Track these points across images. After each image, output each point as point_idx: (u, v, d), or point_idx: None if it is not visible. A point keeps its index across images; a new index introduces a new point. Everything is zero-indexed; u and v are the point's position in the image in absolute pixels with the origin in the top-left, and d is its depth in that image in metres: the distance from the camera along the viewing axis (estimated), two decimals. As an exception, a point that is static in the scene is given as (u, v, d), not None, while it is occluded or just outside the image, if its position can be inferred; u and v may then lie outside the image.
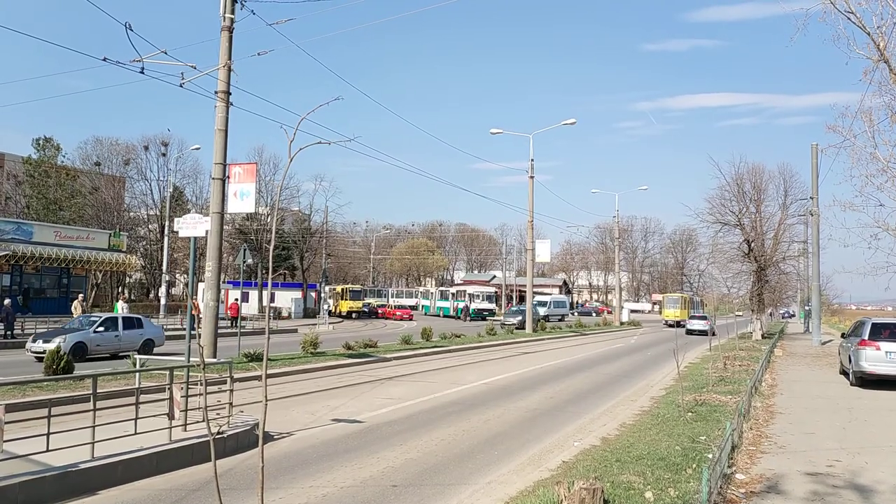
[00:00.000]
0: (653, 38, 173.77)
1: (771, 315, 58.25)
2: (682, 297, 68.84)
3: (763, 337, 36.72)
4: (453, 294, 69.68)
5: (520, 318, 43.78)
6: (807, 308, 48.66)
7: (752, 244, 36.12)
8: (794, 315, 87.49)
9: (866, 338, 16.92)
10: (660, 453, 8.89)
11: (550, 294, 73.14)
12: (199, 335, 6.66)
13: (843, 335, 21.09)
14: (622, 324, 60.67)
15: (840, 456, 9.28)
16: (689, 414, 11.95)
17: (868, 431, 11.33)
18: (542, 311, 59.52)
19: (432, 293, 77.57)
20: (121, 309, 30.62)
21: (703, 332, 41.14)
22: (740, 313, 55.25)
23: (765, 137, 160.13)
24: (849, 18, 11.41)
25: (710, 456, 8.16)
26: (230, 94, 17.83)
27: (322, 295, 58.31)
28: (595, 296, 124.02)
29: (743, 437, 10.13)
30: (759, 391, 15.41)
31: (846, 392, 16.46)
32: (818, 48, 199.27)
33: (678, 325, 56.69)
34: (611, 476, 7.65)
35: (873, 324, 17.42)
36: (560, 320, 58.09)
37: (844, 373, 19.20)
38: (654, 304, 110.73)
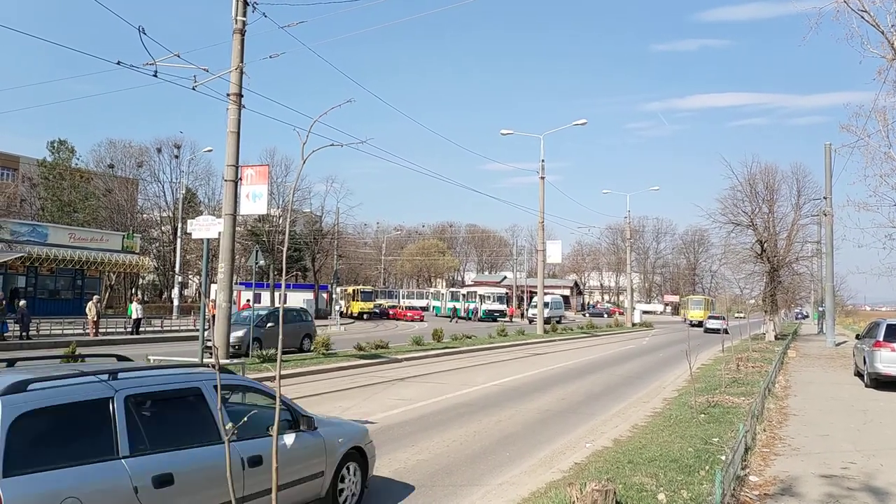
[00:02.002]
0: (662, 39, 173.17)
1: (785, 315, 58.19)
2: (704, 299, 70.57)
3: (776, 338, 36.48)
4: (464, 295, 69.70)
5: (244, 330, 21.78)
6: (820, 309, 48.34)
7: (765, 245, 35.92)
8: (807, 316, 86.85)
9: (881, 339, 16.77)
10: (672, 455, 8.85)
11: (551, 295, 72.65)
12: (213, 336, 6.69)
13: (857, 336, 20.91)
14: (634, 325, 60.48)
15: (855, 458, 9.21)
16: (702, 415, 11.89)
17: (883, 433, 11.23)
18: (544, 311, 59.14)
19: (443, 294, 77.64)
20: (134, 310, 30.88)
21: (717, 330, 43.29)
22: (741, 314, 56.34)
23: (777, 137, 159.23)
24: (862, 17, 11.35)
25: (724, 458, 8.13)
26: (242, 96, 17.93)
27: (333, 296, 58.50)
28: (606, 297, 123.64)
29: (756, 439, 10.07)
30: (772, 393, 15.30)
31: (861, 394, 16.32)
32: (831, 47, 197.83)
33: (700, 324, 58.05)
34: (623, 478, 7.63)
35: (888, 325, 17.27)
36: (558, 322, 57.88)
37: (859, 374, 19.05)
38: (667, 304, 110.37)
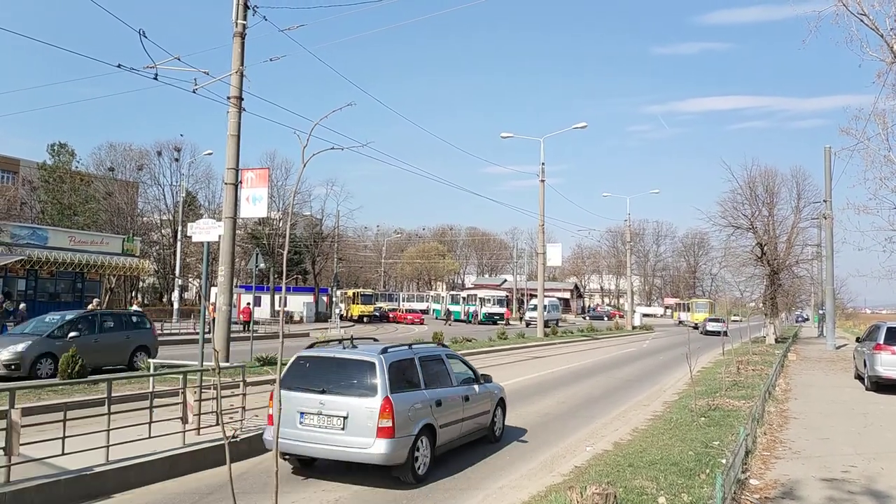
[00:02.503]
0: (662, 42, 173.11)
1: (785, 318, 58.32)
2: (709, 302, 71.08)
3: (776, 341, 36.42)
4: (464, 298, 69.61)
5: (27, 343, 16.30)
6: (821, 312, 48.32)
7: (765, 248, 35.89)
8: (807, 319, 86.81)
9: (881, 342, 16.75)
10: (673, 458, 8.84)
11: (548, 298, 71.32)
12: (213, 339, 6.71)
13: (857, 339, 20.89)
14: (634, 328, 60.45)
15: (856, 461, 9.20)
16: (703, 419, 11.87)
17: (884, 437, 11.22)
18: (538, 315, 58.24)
19: (443, 297, 77.56)
20: (134, 313, 30.82)
21: (717, 333, 45.29)
22: (737, 317, 57.07)
23: (777, 140, 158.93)
24: (861, 21, 11.37)
25: (724, 461, 8.11)
26: (242, 99, 17.93)
27: (334, 299, 58.48)
28: (607, 300, 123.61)
29: (757, 443, 10.06)
30: (772, 396, 15.29)
31: (861, 397, 16.31)
32: (831, 50, 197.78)
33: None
34: (623, 481, 7.62)
35: (888, 328, 17.25)
36: (556, 324, 57.71)
37: (860, 377, 19.03)
38: (667, 307, 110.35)
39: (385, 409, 7.93)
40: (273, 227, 61.57)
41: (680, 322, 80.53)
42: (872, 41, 11.63)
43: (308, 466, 8.96)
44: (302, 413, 8.25)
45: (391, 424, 7.91)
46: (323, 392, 8.26)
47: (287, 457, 8.59)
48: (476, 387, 10.39)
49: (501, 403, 11.30)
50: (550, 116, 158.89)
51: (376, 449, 7.80)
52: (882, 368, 16.56)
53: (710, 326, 52.84)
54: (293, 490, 7.88)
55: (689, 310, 79.19)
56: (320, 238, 67.60)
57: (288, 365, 8.89)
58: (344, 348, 9.13)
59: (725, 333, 28.89)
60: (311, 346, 9.88)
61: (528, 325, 56.04)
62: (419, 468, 8.43)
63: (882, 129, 12.51)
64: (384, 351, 8.61)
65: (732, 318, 57.15)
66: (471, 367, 10.76)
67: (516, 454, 10.31)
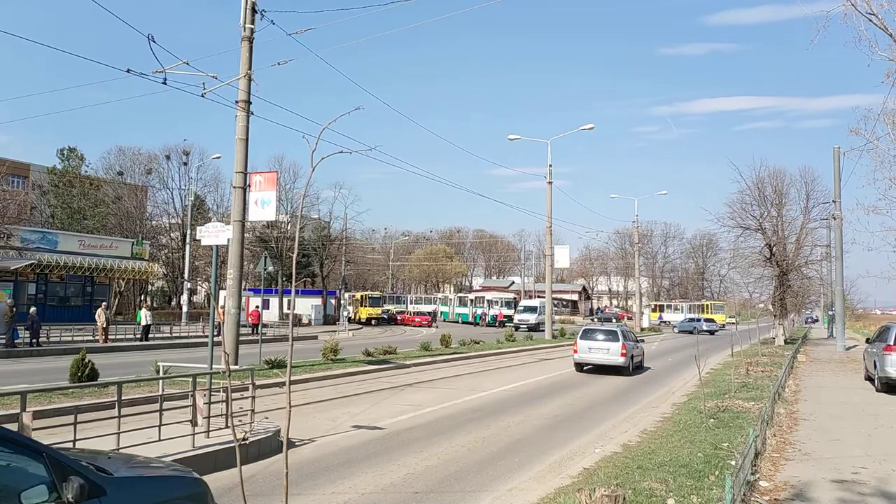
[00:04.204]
0: (670, 43, 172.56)
1: (794, 320, 58.13)
2: (725, 304, 71.87)
3: (786, 342, 36.26)
4: (472, 300, 69.61)
5: None
6: (830, 313, 48.02)
7: (774, 248, 35.70)
8: (817, 320, 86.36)
9: (892, 343, 16.65)
10: (682, 460, 8.82)
11: (539, 299, 67.68)
12: (223, 342, 6.73)
13: (867, 340, 20.78)
14: (643, 329, 60.18)
15: (866, 463, 9.15)
16: (712, 420, 11.84)
17: (895, 438, 11.15)
18: (531, 318, 56.14)
19: (451, 299, 77.60)
20: (143, 317, 30.96)
21: (712, 331, 55.32)
22: (734, 319, 58.37)
23: (785, 141, 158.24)
24: (870, 20, 11.29)
25: (734, 463, 8.09)
26: (251, 103, 18.04)
27: (342, 302, 58.55)
28: (615, 301, 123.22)
29: (766, 444, 10.01)
30: (782, 397, 15.22)
31: (872, 398, 16.22)
32: (839, 50, 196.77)
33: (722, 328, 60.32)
34: (632, 483, 7.61)
35: (899, 329, 17.14)
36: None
37: (870, 378, 18.93)
38: (675, 309, 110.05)
39: (623, 346, 21.30)
40: (281, 230, 61.72)
41: (661, 322, 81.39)
42: (881, 41, 11.55)
43: (583, 371, 22.25)
44: (590, 347, 21.68)
45: (625, 352, 21.29)
46: (598, 340, 21.77)
47: (581, 365, 22.27)
48: (639, 343, 23.89)
49: (643, 353, 24.46)
50: (557, 118, 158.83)
51: (620, 360, 21.25)
52: (892, 369, 16.46)
53: (705, 326, 56.33)
54: (302, 493, 7.90)
55: (664, 309, 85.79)
56: (328, 241, 67.75)
57: (580, 332, 22.83)
58: (601, 325, 24.79)
59: (712, 332, 29.11)
60: (584, 326, 24.20)
61: (517, 328, 52.04)
62: (631, 369, 21.89)
63: (891, 129, 12.39)
64: (619, 326, 22.91)
65: (730, 318, 58.51)
66: (634, 335, 24.92)
67: (640, 380, 21.84)
